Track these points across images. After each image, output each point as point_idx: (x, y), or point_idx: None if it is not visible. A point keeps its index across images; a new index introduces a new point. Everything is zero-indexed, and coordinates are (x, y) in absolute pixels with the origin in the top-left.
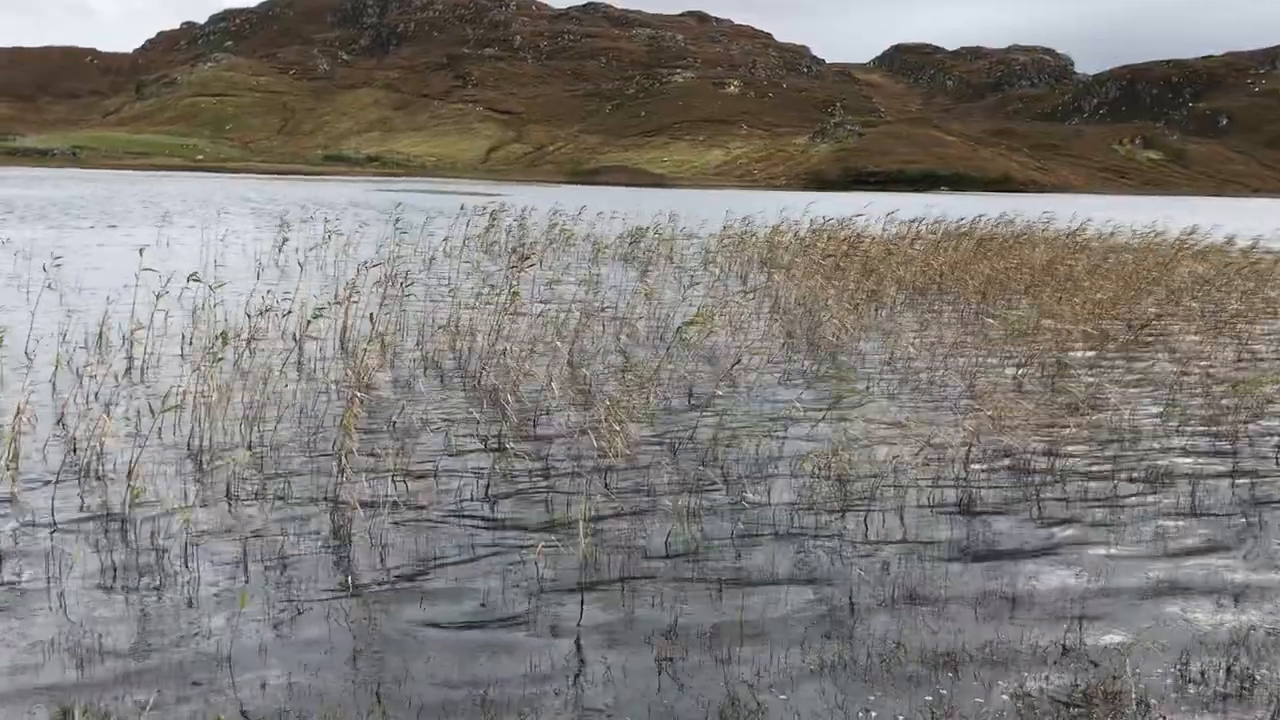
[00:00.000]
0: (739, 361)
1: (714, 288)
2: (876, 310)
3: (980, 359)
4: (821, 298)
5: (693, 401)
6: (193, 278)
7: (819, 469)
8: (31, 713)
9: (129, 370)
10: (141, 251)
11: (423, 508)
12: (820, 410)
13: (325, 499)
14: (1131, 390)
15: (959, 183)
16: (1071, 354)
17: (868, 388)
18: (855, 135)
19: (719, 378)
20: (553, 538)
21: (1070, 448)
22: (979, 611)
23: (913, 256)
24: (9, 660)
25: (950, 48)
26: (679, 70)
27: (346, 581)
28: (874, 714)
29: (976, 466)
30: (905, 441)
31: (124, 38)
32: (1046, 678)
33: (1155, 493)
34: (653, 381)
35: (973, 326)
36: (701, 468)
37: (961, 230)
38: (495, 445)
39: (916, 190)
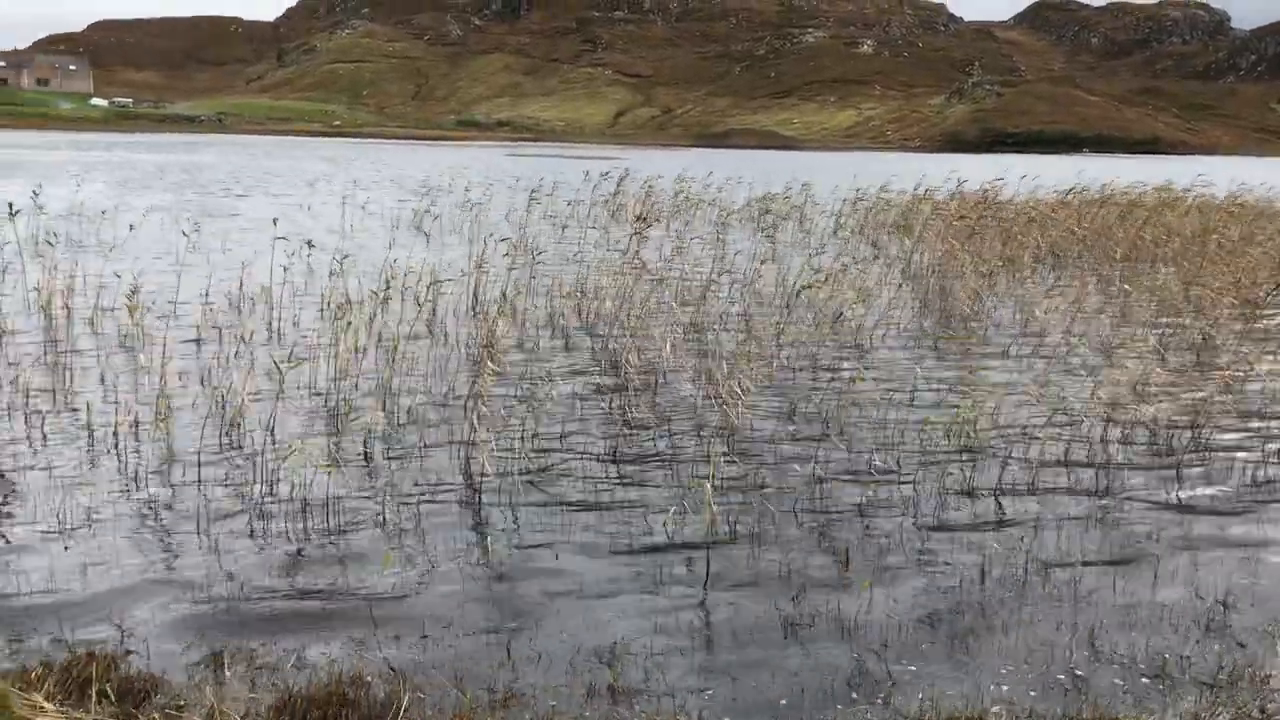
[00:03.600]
0: (841, 314)
1: (842, 254)
2: (1014, 276)
3: (1121, 328)
4: (956, 264)
5: (817, 367)
6: (309, 243)
7: (949, 437)
8: (183, 653)
9: (276, 330)
10: (323, 242)
11: (551, 469)
12: (951, 377)
13: (458, 460)
14: None
15: (1101, 144)
16: (1218, 324)
17: (1003, 354)
18: (993, 95)
19: (844, 343)
20: (678, 500)
21: (1214, 420)
22: (1116, 587)
23: (1055, 221)
24: (162, 604)
25: (1096, 4)
26: (810, 30)
27: (479, 540)
28: (1005, 688)
29: (1114, 438)
30: (1040, 411)
31: (266, 5)
32: (1187, 657)
33: None
34: (776, 345)
35: (1115, 295)
36: (825, 434)
37: (1109, 197)
38: (620, 408)
39: (1057, 152)
